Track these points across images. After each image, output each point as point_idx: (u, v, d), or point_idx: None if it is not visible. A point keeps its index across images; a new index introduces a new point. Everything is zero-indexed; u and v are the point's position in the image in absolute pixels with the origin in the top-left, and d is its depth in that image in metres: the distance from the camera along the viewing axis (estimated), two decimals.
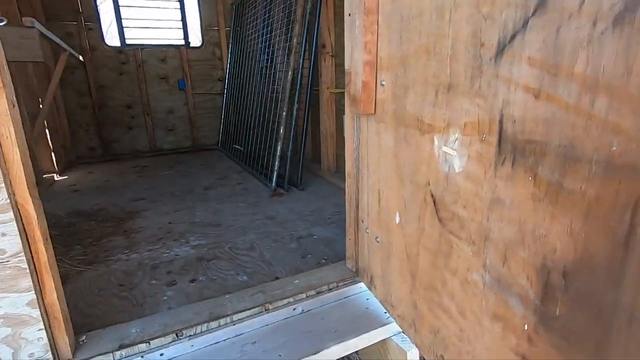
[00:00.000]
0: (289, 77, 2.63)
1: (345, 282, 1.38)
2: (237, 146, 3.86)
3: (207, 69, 4.51)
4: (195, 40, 4.50)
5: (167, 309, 1.30)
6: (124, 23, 4.09)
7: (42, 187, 2.92)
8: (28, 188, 0.87)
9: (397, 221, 1.07)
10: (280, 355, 1.07)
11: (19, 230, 0.86)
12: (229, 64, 4.38)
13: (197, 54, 4.43)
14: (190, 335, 1.13)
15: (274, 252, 1.72)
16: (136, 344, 1.07)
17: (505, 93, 0.64)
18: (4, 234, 0.85)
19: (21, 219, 0.87)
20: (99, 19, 3.91)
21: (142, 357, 1.05)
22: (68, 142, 3.99)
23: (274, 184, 2.69)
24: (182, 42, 4.39)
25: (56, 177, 3.38)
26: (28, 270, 0.89)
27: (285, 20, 2.85)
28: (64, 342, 1.00)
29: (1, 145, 0.83)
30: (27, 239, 0.89)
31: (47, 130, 3.39)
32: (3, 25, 0.85)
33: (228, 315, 1.19)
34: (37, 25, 1.94)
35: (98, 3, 3.90)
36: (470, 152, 0.73)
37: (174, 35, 4.37)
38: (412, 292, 1.03)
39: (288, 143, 2.69)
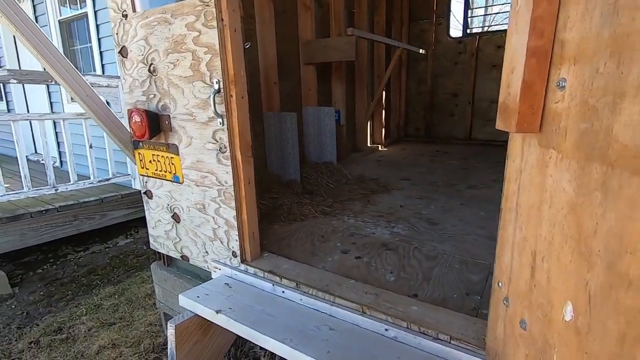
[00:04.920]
0: None
1: (463, 346, 1.05)
2: None
3: None
4: None
5: (321, 267, 1.58)
6: (469, 13, 4.23)
7: (361, 153, 3.91)
8: (240, 148, 1.42)
9: (569, 318, 0.70)
10: (328, 351, 1.09)
11: (232, 172, 1.44)
12: None
13: None
14: (304, 291, 1.37)
15: (447, 272, 1.51)
16: (276, 275, 1.46)
17: None
18: (227, 172, 1.45)
19: (234, 166, 1.44)
20: (448, 14, 4.29)
21: (272, 284, 1.43)
22: (402, 121, 4.90)
23: None
24: None
25: (380, 148, 4.34)
26: (234, 197, 1.46)
27: None
28: (248, 250, 1.55)
29: (231, 121, 1.39)
30: (237, 179, 1.46)
31: (383, 111, 4.35)
32: (247, 47, 1.35)
33: (333, 295, 1.30)
34: (357, 32, 2.58)
35: None
36: None
37: None
38: None
39: None
